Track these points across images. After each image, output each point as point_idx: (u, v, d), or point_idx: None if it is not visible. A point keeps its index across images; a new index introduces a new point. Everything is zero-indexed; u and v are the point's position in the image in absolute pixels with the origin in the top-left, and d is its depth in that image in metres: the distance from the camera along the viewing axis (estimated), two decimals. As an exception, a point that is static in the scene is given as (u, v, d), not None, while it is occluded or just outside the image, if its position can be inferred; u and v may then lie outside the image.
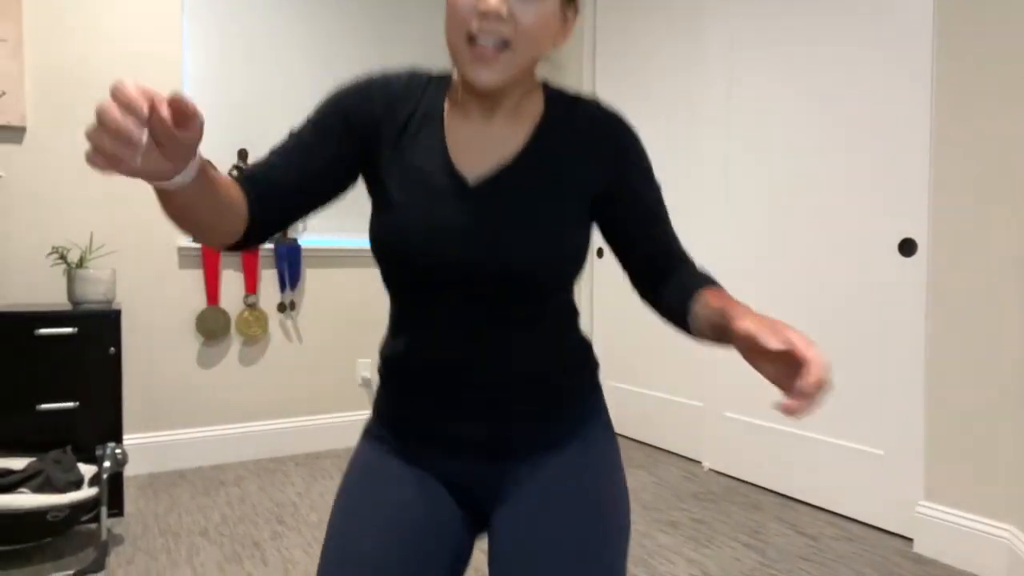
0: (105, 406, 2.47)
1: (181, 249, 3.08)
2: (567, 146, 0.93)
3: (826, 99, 2.63)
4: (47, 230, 2.81)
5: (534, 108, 0.95)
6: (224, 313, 3.18)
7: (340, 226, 3.48)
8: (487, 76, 0.83)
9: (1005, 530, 2.08)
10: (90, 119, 2.90)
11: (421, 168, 0.91)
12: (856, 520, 2.53)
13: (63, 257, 2.62)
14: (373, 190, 0.95)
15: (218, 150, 3.16)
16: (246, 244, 0.90)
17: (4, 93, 2.72)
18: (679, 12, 3.31)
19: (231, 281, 3.21)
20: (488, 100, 0.91)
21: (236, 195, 0.84)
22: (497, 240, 0.88)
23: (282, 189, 0.90)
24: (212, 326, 3.15)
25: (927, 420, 2.29)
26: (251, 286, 3.23)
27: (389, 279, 0.95)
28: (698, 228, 3.18)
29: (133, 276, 2.97)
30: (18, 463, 2.24)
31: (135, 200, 2.99)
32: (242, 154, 3.18)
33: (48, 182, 2.84)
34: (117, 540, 2.33)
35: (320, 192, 0.93)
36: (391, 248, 0.90)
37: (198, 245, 3.09)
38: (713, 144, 3.10)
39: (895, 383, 2.39)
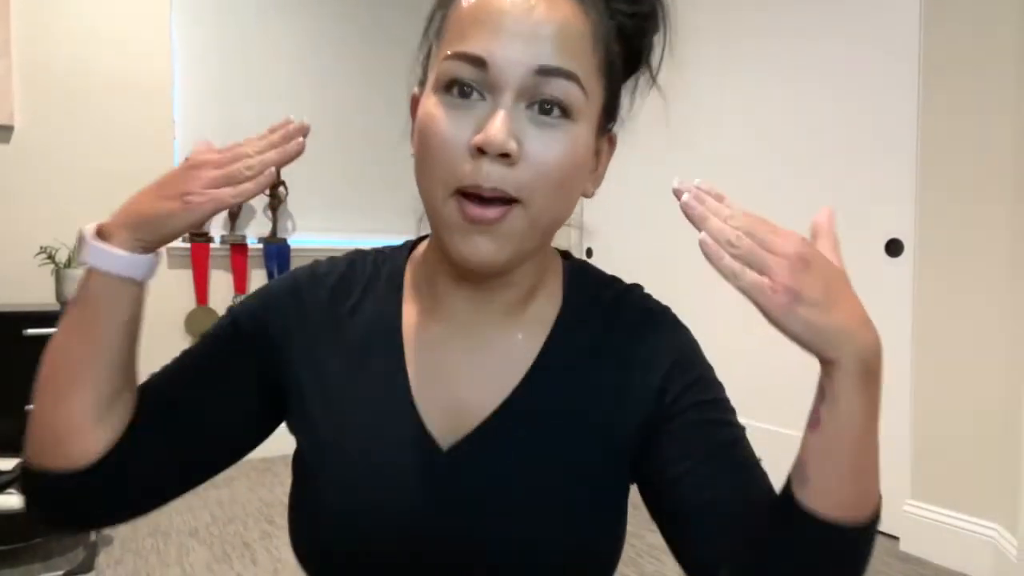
0: (94, 406, 2.46)
1: (170, 249, 3.07)
2: (594, 367, 0.63)
3: (812, 99, 2.65)
4: (35, 229, 2.80)
5: (547, 302, 0.65)
6: (214, 313, 3.17)
7: (328, 226, 3.48)
8: (488, 250, 0.55)
9: (991, 528, 2.10)
10: (79, 117, 2.89)
11: (366, 422, 0.61)
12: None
13: (51, 257, 2.61)
14: (296, 454, 0.66)
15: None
16: (85, 495, 0.58)
17: (-8, 92, 2.71)
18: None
19: (220, 281, 3.20)
20: (482, 290, 0.62)
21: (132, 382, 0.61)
22: (486, 543, 0.59)
23: (187, 424, 0.63)
24: (202, 327, 3.14)
25: (913, 419, 2.31)
26: (240, 286, 3.22)
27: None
28: (683, 229, 3.19)
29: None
30: (6, 464, 2.23)
31: (123, 199, 2.96)
32: (232, 153, 3.16)
33: (36, 181, 2.83)
34: (106, 540, 2.32)
35: (227, 443, 0.66)
36: (311, 552, 0.62)
37: (188, 245, 3.09)
38: (699, 144, 3.12)
39: (884, 380, 2.41)
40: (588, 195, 0.62)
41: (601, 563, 0.62)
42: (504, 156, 0.52)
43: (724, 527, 0.56)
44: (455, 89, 0.54)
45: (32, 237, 2.78)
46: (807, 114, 2.68)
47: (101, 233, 0.55)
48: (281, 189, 3.28)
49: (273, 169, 0.57)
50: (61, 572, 2.08)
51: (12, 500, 2.01)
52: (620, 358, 0.63)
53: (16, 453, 2.28)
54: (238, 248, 3.20)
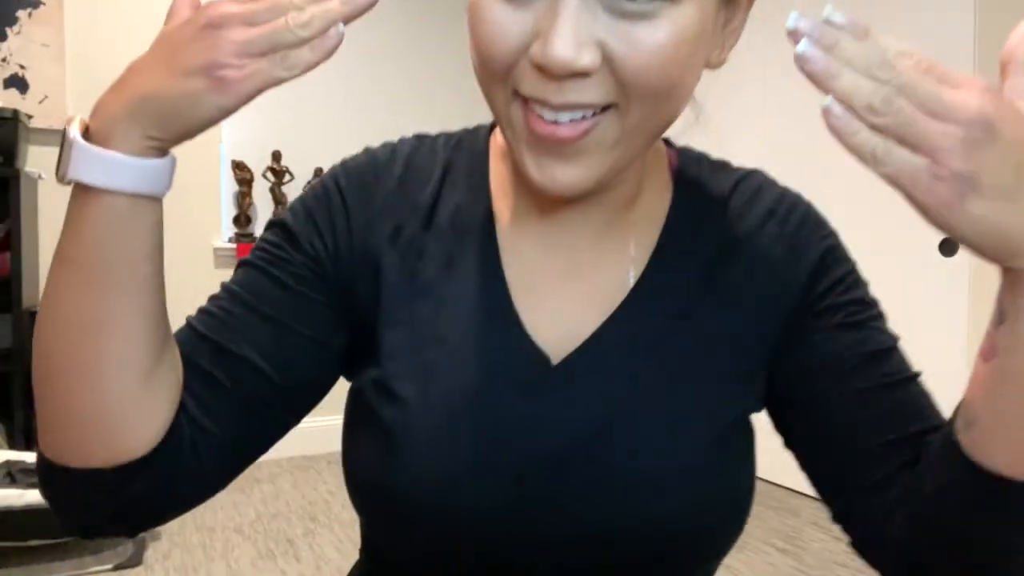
0: (143, 403, 2.52)
1: (217, 249, 3.13)
2: (720, 266, 0.53)
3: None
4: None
5: (656, 196, 0.54)
6: (258, 312, 3.22)
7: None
8: (567, 176, 0.43)
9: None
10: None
11: (457, 330, 0.51)
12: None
13: (103, 257, 2.67)
14: (361, 374, 0.53)
15: (253, 151, 3.20)
16: (142, 492, 0.45)
17: (47, 97, 2.79)
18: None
19: (265, 281, 3.25)
20: (571, 206, 0.51)
21: (174, 349, 0.49)
22: (609, 466, 0.48)
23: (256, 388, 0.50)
24: (246, 325, 3.19)
25: (970, 424, 2.23)
26: (285, 286, 3.26)
27: (383, 540, 0.54)
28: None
29: (170, 275, 3.00)
30: (59, 458, 2.29)
31: (171, 201, 3.01)
32: (276, 155, 3.21)
33: (89, 184, 2.90)
34: (155, 535, 2.37)
35: (304, 391, 0.54)
36: (393, 493, 0.49)
37: (234, 245, 3.14)
38: (747, 146, 3.06)
39: (937, 387, 2.31)
40: (716, 66, 0.49)
41: (745, 512, 0.52)
42: (578, 76, 0.40)
43: (878, 457, 0.48)
44: None
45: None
46: (857, 109, 2.61)
47: (93, 132, 0.40)
48: (324, 190, 3.32)
49: (341, 27, 0.40)
50: (111, 565, 2.13)
51: (65, 494, 2.06)
52: (752, 254, 0.53)
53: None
54: (282, 248, 3.25)
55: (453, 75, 3.54)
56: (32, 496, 2.01)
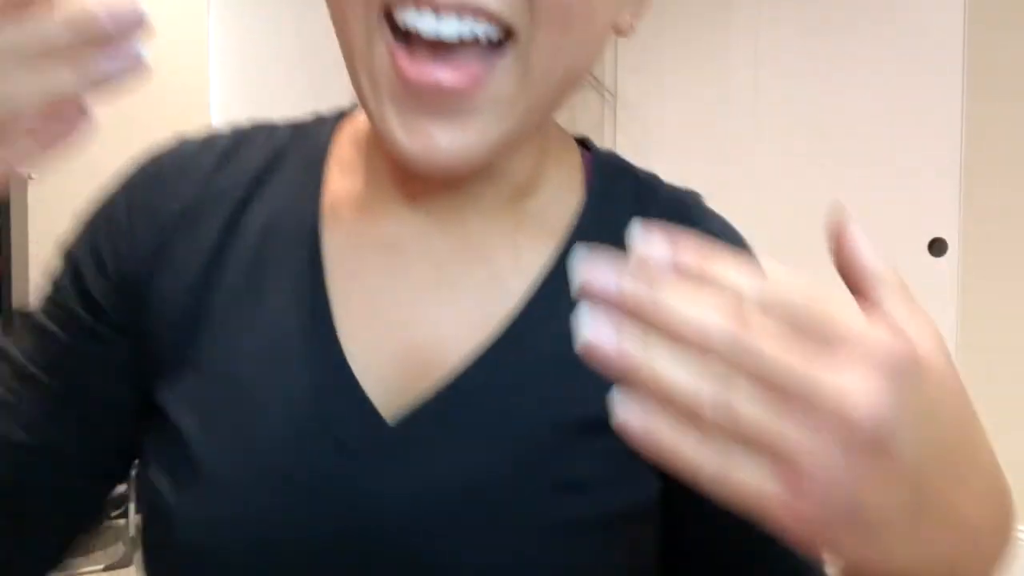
0: (133, 404, 2.51)
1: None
2: None
3: (855, 96, 2.59)
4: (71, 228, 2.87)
5: (557, 200, 0.42)
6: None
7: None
8: (450, 142, 0.33)
9: (1039, 537, 2.04)
10: (121, 117, 2.95)
11: (258, 375, 0.38)
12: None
13: (93, 257, 2.67)
14: (154, 422, 0.40)
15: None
16: None
17: (37, 96, 2.78)
18: (705, 4, 3.28)
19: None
20: (452, 189, 0.40)
21: None
22: (446, 568, 0.35)
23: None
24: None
25: (958, 424, 2.24)
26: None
27: None
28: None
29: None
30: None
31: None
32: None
33: (78, 182, 2.89)
34: (145, 536, 2.36)
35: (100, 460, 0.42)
36: (191, 559, 0.36)
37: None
38: (739, 142, 3.07)
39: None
40: (624, 32, 0.39)
41: None
42: None
43: None
44: None
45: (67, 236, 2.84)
46: (848, 112, 2.62)
47: None
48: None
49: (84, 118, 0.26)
50: (102, 566, 2.12)
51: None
52: None
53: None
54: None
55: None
56: (21, 497, 2.00)
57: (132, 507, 2.19)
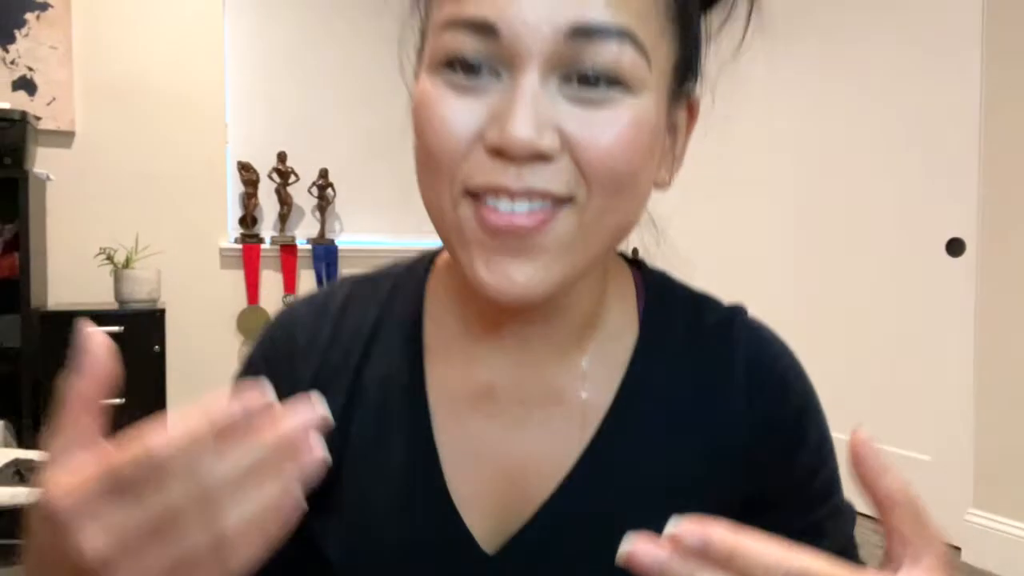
0: (150, 403, 2.53)
1: (223, 250, 3.14)
2: (689, 421, 0.47)
3: (873, 96, 2.57)
4: (95, 231, 2.89)
5: (617, 330, 0.49)
6: (264, 312, 3.23)
7: (376, 226, 3.51)
8: (524, 276, 0.39)
9: (1059, 540, 2.01)
10: (136, 123, 2.98)
11: (383, 521, 0.46)
12: (901, 527, 2.46)
13: (110, 258, 2.69)
14: (311, 549, 0.48)
15: (259, 152, 3.21)
16: None
17: (54, 99, 2.81)
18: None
19: (271, 281, 3.26)
20: (526, 322, 0.46)
21: None
22: None
23: None
24: (252, 325, 3.20)
25: (976, 425, 2.22)
26: (290, 286, 3.28)
27: None
28: (740, 228, 3.13)
29: (177, 276, 3.04)
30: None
31: (179, 202, 3.05)
32: (281, 156, 3.22)
33: (96, 185, 2.92)
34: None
35: None
36: None
37: (239, 246, 3.16)
38: (756, 143, 3.06)
39: (943, 386, 2.33)
40: (663, 186, 0.46)
41: None
42: (539, 157, 0.37)
43: None
44: (458, 66, 0.39)
45: (92, 239, 2.87)
46: (867, 112, 2.60)
47: None
48: (329, 191, 3.33)
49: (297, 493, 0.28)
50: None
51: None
52: (721, 410, 0.47)
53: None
54: (287, 249, 3.26)
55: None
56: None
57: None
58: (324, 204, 3.32)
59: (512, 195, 0.38)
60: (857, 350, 2.61)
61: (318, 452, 0.28)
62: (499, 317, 0.46)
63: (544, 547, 0.45)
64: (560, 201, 0.39)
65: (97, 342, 0.32)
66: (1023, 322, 2.09)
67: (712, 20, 0.48)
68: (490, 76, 0.38)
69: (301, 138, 3.30)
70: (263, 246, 3.21)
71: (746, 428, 0.47)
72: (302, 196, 3.32)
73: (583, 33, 0.37)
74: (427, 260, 0.52)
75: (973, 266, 2.22)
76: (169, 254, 3.02)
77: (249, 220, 3.18)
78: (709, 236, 3.25)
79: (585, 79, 0.38)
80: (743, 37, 0.50)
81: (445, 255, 0.51)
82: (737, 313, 0.52)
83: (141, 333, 2.53)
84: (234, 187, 3.19)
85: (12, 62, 2.75)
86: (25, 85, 2.77)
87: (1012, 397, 2.13)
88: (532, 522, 0.45)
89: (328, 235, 3.36)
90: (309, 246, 3.31)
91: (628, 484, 0.46)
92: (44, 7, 2.78)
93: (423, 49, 0.43)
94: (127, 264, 2.70)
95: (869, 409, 2.57)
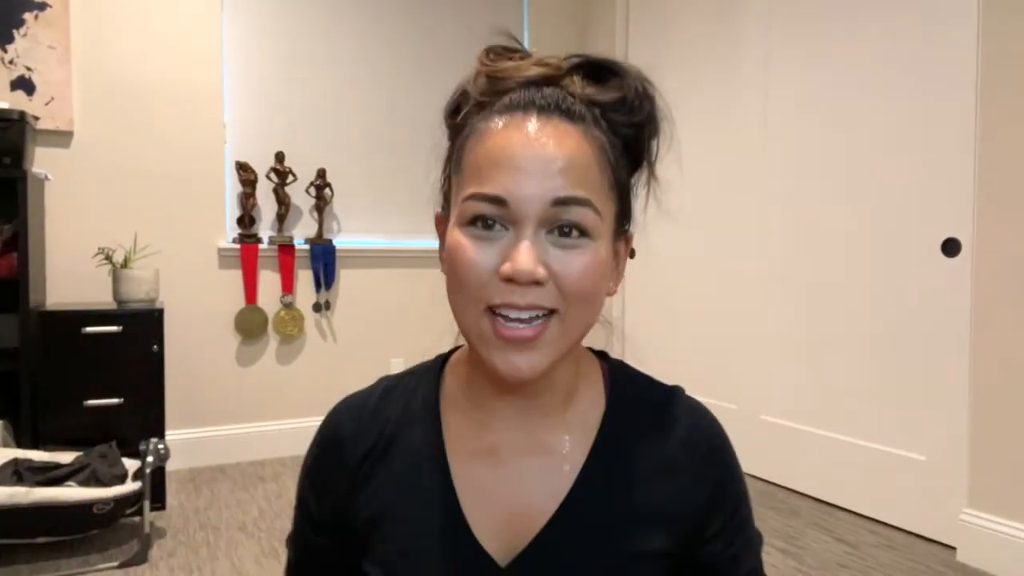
0: (148, 402, 2.54)
1: (221, 250, 3.15)
2: (645, 471, 0.64)
3: (868, 98, 2.58)
4: (93, 231, 2.90)
5: (590, 405, 0.67)
6: (262, 312, 3.24)
7: (374, 227, 3.52)
8: (527, 363, 0.57)
9: (1053, 539, 2.02)
10: (135, 122, 2.98)
11: (419, 547, 0.63)
12: (897, 528, 2.48)
13: (108, 258, 2.69)
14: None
15: (257, 152, 3.22)
16: None
17: (53, 99, 2.81)
18: (715, 11, 3.28)
19: (269, 281, 3.27)
20: (522, 395, 0.64)
21: None
22: None
23: None
24: (250, 325, 3.21)
25: (971, 424, 2.23)
26: (288, 286, 3.28)
27: None
28: (736, 227, 3.14)
29: (175, 276, 3.05)
30: (66, 457, 2.31)
31: (177, 202, 3.06)
32: (279, 156, 3.23)
33: (94, 184, 2.92)
34: (159, 533, 2.39)
35: None
36: None
37: (237, 246, 3.16)
38: (751, 142, 3.07)
39: (938, 386, 2.34)
40: (611, 294, 0.64)
41: None
42: (535, 283, 0.56)
43: None
44: (479, 223, 0.57)
45: (90, 238, 2.87)
46: (862, 113, 2.61)
47: None
48: (327, 191, 3.33)
49: None
50: (116, 563, 2.15)
51: (71, 492, 2.08)
52: (670, 466, 0.65)
53: (74, 447, 2.37)
54: (285, 249, 3.26)
55: (457, 76, 3.56)
56: (39, 494, 2.03)
57: (147, 504, 2.21)
58: (322, 204, 3.33)
59: (519, 308, 0.56)
60: (853, 350, 2.62)
61: None
62: (502, 393, 0.64)
63: (543, 562, 0.61)
64: (549, 312, 0.57)
65: None
66: (1018, 322, 2.10)
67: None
68: (501, 229, 0.57)
69: (299, 138, 3.31)
70: (261, 246, 3.22)
71: (687, 477, 0.64)
72: (300, 196, 3.32)
73: (561, 202, 0.56)
74: (442, 359, 0.72)
75: (968, 266, 2.23)
76: (167, 254, 3.02)
77: (247, 220, 3.18)
78: (703, 240, 3.27)
79: (563, 230, 0.57)
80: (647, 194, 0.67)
81: (456, 356, 0.71)
82: (676, 392, 0.69)
83: (139, 333, 2.53)
84: (232, 187, 3.19)
85: (11, 62, 2.75)
86: (23, 85, 2.77)
87: (1007, 397, 2.14)
88: (533, 543, 0.61)
89: (326, 235, 3.37)
90: (307, 246, 3.31)
91: (604, 513, 0.62)
92: (42, 7, 2.78)
93: (449, 198, 0.63)
94: (126, 264, 2.70)
95: (865, 409, 2.59)
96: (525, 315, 0.56)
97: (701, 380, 3.34)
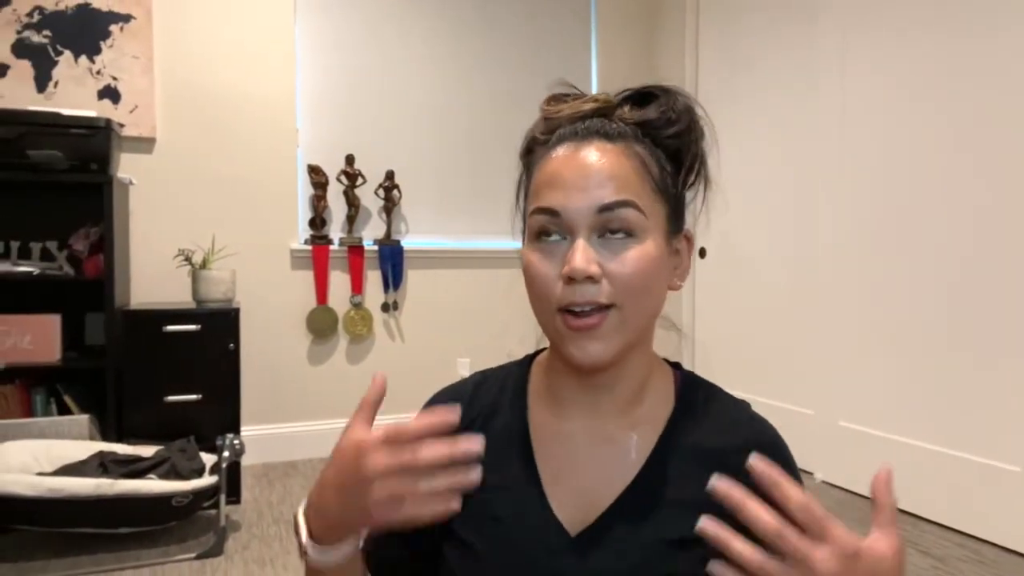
0: (225, 399, 2.62)
1: (293, 251, 3.23)
2: (702, 465, 0.68)
3: (943, 97, 2.45)
4: (174, 233, 3.01)
5: (660, 399, 0.74)
6: (332, 312, 3.30)
7: (441, 228, 3.54)
8: (595, 349, 0.65)
9: None
10: (213, 129, 3.09)
11: (504, 512, 0.71)
12: (988, 542, 2.34)
13: (188, 259, 2.79)
14: (443, 541, 0.75)
15: (327, 155, 3.28)
16: None
17: (137, 107, 2.93)
18: (789, 24, 3.17)
19: (339, 282, 3.33)
20: (597, 388, 0.71)
21: None
22: None
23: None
24: (321, 324, 3.28)
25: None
26: (357, 286, 3.33)
27: None
28: (813, 228, 3.03)
29: (250, 276, 3.14)
30: (147, 451, 2.40)
31: (252, 205, 3.15)
32: (349, 159, 3.29)
33: (175, 188, 3.04)
34: (235, 526, 2.45)
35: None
36: None
37: (309, 247, 3.23)
38: (826, 145, 2.95)
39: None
40: (675, 288, 0.72)
41: None
42: (589, 279, 0.64)
43: None
44: (542, 235, 0.67)
45: (171, 240, 2.99)
46: (936, 110, 2.48)
47: (314, 534, 0.65)
48: (395, 192, 3.37)
49: (456, 502, 0.59)
50: (194, 554, 2.22)
51: (152, 485, 2.16)
52: (729, 466, 0.65)
53: (155, 441, 2.46)
54: (355, 250, 3.32)
55: (526, 82, 3.55)
56: (123, 486, 2.11)
57: (223, 498, 2.28)
58: (390, 206, 3.37)
59: (580, 304, 0.65)
60: (941, 354, 2.48)
61: (474, 476, 0.59)
62: (581, 385, 0.71)
63: (610, 531, 0.68)
64: (606, 307, 0.65)
65: (378, 383, 0.64)
66: None
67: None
68: (559, 239, 0.67)
69: (368, 141, 3.36)
70: (331, 247, 3.28)
71: (744, 477, 0.67)
72: (369, 198, 3.38)
73: (607, 208, 0.65)
74: (529, 359, 0.81)
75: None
76: (243, 255, 3.11)
77: (318, 222, 3.25)
78: (778, 241, 3.16)
79: (611, 231, 0.65)
80: (705, 189, 0.74)
81: (541, 355, 0.79)
82: (743, 404, 0.76)
83: (217, 331, 2.62)
84: (304, 190, 3.27)
85: (98, 72, 2.89)
86: (110, 94, 2.90)
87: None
88: (598, 521, 0.69)
89: (394, 236, 3.41)
90: (376, 247, 3.36)
91: (664, 498, 0.69)
92: (127, 19, 2.91)
93: (525, 222, 0.72)
94: (204, 265, 2.80)
95: (953, 416, 2.45)
96: (587, 308, 0.65)
97: (776, 384, 3.23)
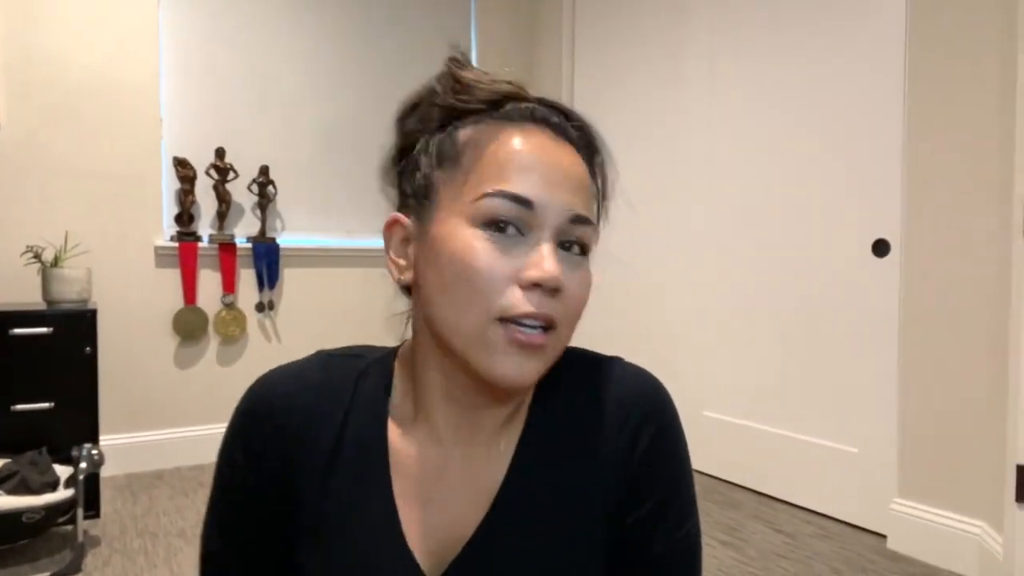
0: (81, 406, 2.44)
1: (158, 248, 3.05)
2: (569, 456, 0.63)
3: (800, 101, 2.67)
4: (21, 229, 2.78)
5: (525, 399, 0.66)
6: (202, 313, 3.15)
7: (318, 225, 3.47)
8: (532, 370, 0.56)
9: (976, 526, 2.12)
10: (65, 115, 2.87)
11: (356, 545, 0.61)
12: (832, 517, 2.57)
13: (37, 256, 2.58)
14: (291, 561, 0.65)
15: (196, 148, 3.13)
16: None
17: (-23, 89, 2.68)
18: (658, 22, 3.33)
19: (209, 281, 3.18)
20: (482, 409, 0.62)
21: None
22: None
23: None
24: (190, 326, 3.12)
25: (900, 418, 2.33)
26: (229, 285, 3.20)
27: None
28: (677, 230, 3.20)
29: (109, 275, 2.94)
30: (-9, 465, 2.21)
31: (111, 199, 2.95)
32: (219, 152, 3.15)
33: (21, 181, 2.80)
34: (94, 542, 2.30)
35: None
36: None
37: (176, 244, 3.07)
38: (694, 146, 3.13)
39: (869, 382, 2.43)
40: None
41: None
42: (555, 292, 0.56)
43: None
44: (497, 225, 0.56)
45: (18, 236, 2.75)
46: (794, 117, 2.69)
47: None
48: (270, 188, 3.27)
49: None
50: (48, 574, 2.06)
51: (-2, 501, 1.99)
52: (594, 441, 0.63)
53: (2, 453, 2.26)
54: (226, 247, 3.19)
55: (401, 80, 3.53)
56: (-38, 504, 1.93)
57: (80, 513, 2.13)
58: (265, 202, 3.26)
59: (537, 318, 0.55)
60: (789, 348, 2.70)
61: None
62: (467, 407, 0.62)
63: (473, 570, 0.60)
64: (549, 328, 0.56)
65: None
66: (944, 318, 2.20)
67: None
68: (516, 234, 0.56)
69: (240, 134, 3.23)
70: (200, 244, 3.13)
71: (620, 451, 0.63)
72: (242, 194, 3.25)
73: (578, 220, 0.58)
74: (391, 355, 0.68)
75: (897, 266, 2.33)
76: (101, 253, 2.92)
77: (186, 218, 3.10)
78: (642, 242, 3.32)
79: (569, 245, 0.58)
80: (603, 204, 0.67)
81: (402, 356, 0.67)
82: (613, 360, 0.68)
83: (71, 334, 2.44)
84: (169, 184, 3.10)
85: (-71, 50, 2.62)
86: (-56, 75, 2.64)
87: (933, 392, 2.24)
88: (463, 551, 0.61)
89: (269, 233, 3.30)
90: (249, 245, 3.24)
91: (531, 510, 0.62)
92: (-35, -7, 2.66)
93: (409, 201, 0.62)
94: (56, 263, 2.60)
95: (801, 405, 2.67)
96: (537, 324, 0.56)
97: (646, 377, 3.39)
